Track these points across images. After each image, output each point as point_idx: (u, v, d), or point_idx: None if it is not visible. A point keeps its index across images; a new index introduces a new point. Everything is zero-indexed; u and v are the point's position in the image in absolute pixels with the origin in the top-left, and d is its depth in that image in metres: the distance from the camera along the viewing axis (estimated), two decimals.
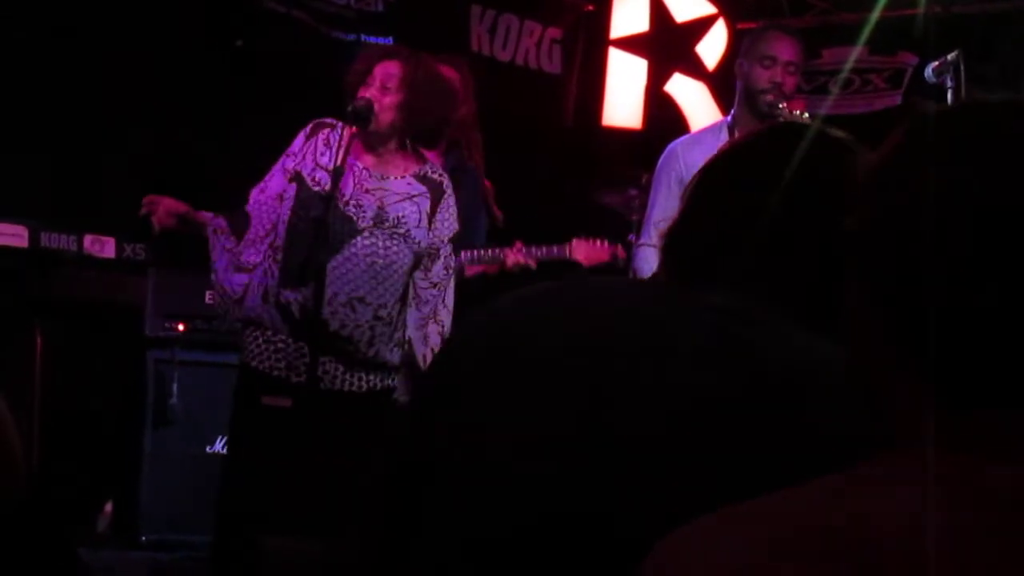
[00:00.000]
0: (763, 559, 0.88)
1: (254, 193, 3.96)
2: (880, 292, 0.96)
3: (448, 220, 3.98)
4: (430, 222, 3.92)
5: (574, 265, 5.07)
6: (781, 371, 1.33)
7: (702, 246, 1.50)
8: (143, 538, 5.12)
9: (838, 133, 1.56)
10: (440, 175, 4.01)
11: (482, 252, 4.76)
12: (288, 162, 3.93)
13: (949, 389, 0.91)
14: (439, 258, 3.96)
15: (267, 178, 3.96)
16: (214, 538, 4.07)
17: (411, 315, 3.94)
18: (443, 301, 3.99)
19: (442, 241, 3.97)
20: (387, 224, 3.84)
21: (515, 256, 4.77)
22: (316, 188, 3.84)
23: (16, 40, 5.40)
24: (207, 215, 3.99)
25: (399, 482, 1.48)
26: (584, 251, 5.03)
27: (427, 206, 3.92)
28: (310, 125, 3.96)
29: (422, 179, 3.95)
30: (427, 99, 3.89)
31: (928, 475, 0.88)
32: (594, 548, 1.30)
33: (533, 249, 4.89)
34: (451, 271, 4.04)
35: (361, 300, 3.79)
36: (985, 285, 0.89)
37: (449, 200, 3.97)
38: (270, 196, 3.92)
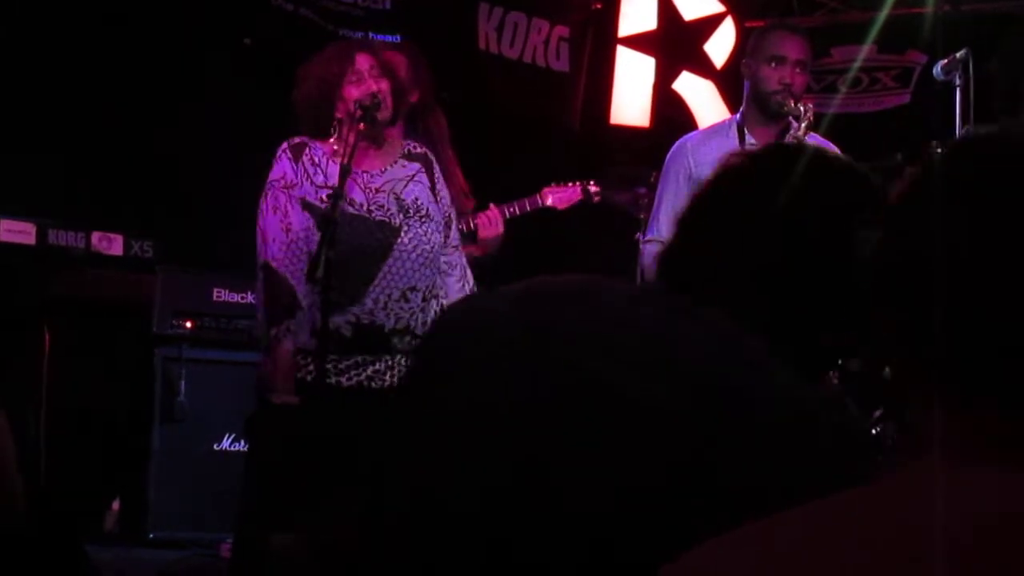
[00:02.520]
0: None
1: (278, 243, 3.77)
2: (902, 313, 0.98)
3: (444, 185, 4.06)
4: (435, 194, 3.98)
5: (550, 211, 5.14)
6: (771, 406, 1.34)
7: (699, 266, 1.51)
8: (151, 535, 5.13)
9: (836, 154, 1.58)
10: (419, 147, 4.07)
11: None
12: (295, 192, 3.83)
13: (969, 395, 0.92)
14: (453, 222, 4.06)
15: (279, 218, 3.81)
16: (235, 536, 4.07)
17: (449, 284, 3.98)
18: (463, 261, 4.07)
19: (449, 206, 4.05)
20: (411, 211, 3.88)
21: (484, 233, 4.84)
22: (325, 207, 3.81)
23: (24, 39, 5.40)
24: (286, 361, 3.72)
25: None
26: (555, 196, 5.14)
27: (427, 180, 3.98)
28: (287, 150, 3.86)
29: (410, 157, 3.99)
30: (402, 82, 4.01)
31: (939, 484, 0.87)
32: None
33: (505, 208, 4.95)
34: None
35: (413, 288, 3.83)
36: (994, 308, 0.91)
37: (436, 167, 4.04)
38: (298, 235, 3.80)
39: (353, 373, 3.76)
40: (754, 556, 0.90)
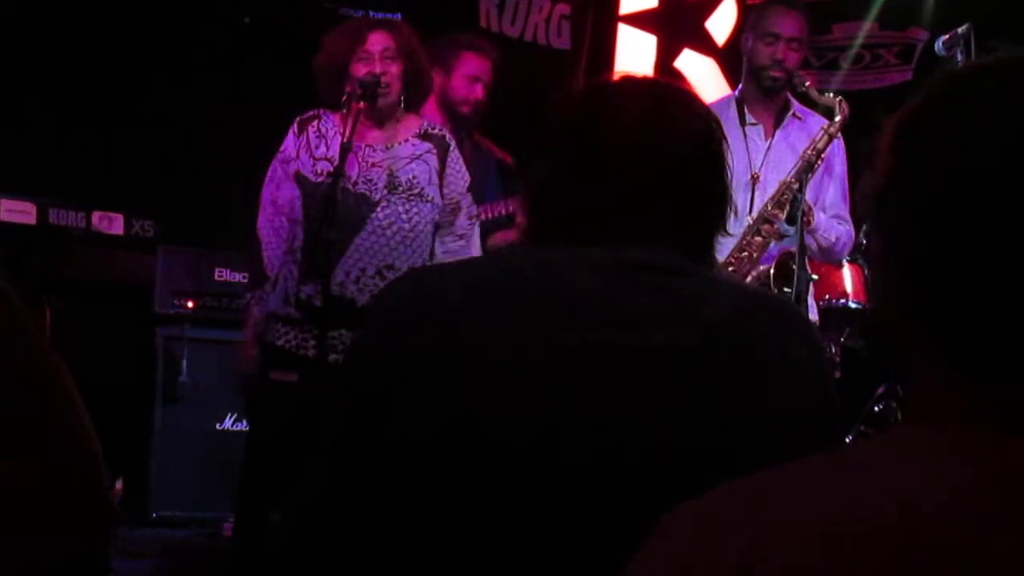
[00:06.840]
0: (782, 534, 0.87)
1: (266, 213, 3.91)
2: (903, 262, 0.95)
3: (460, 171, 3.98)
4: (441, 178, 3.92)
5: None
6: (729, 315, 1.37)
7: (591, 205, 1.52)
8: (153, 515, 5.14)
9: (676, 87, 1.60)
10: (440, 129, 4.02)
11: (497, 212, 4.75)
12: (290, 167, 3.90)
13: (971, 363, 0.90)
14: (461, 209, 3.97)
15: (271, 189, 3.92)
16: (237, 515, 4.08)
17: None
18: (470, 251, 3.98)
19: (460, 193, 3.97)
20: (401, 189, 3.84)
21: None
22: (319, 179, 3.82)
23: (25, 16, 5.39)
24: (252, 326, 3.92)
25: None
26: None
27: (435, 162, 3.93)
28: (295, 124, 3.94)
29: (425, 137, 3.95)
30: (421, 64, 3.94)
31: (940, 449, 0.87)
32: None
33: None
34: (475, 220, 4.04)
35: (390, 267, 3.78)
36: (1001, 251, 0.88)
37: (455, 152, 3.98)
38: (285, 204, 3.88)
39: (343, 349, 3.74)
40: (747, 508, 0.89)
